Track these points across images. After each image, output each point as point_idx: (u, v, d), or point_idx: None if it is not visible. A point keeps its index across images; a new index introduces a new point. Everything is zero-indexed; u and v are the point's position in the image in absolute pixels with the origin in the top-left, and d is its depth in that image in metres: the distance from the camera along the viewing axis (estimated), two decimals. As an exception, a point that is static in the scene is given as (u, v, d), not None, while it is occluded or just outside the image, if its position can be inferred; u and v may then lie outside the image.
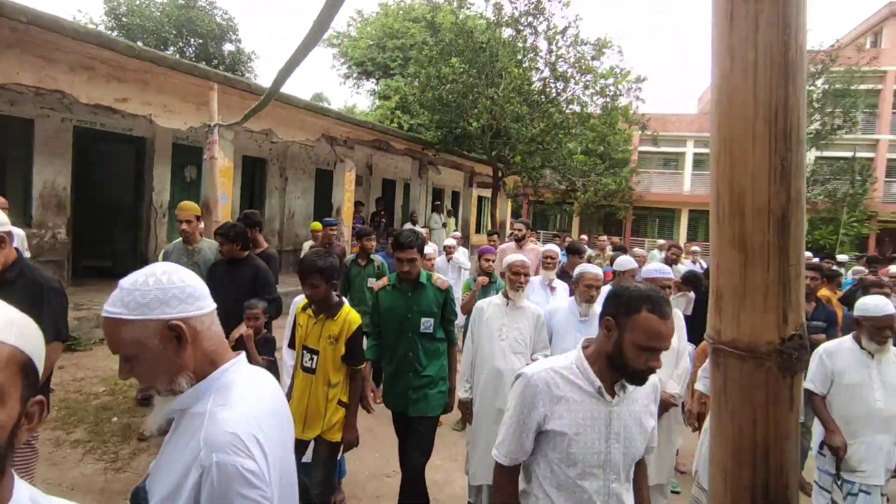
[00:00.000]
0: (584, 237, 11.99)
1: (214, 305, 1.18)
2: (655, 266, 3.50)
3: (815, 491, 3.26)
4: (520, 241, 6.05)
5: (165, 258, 4.13)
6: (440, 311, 3.16)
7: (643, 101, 11.94)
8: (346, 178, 9.84)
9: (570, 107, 11.75)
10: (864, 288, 5.14)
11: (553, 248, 5.07)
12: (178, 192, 8.76)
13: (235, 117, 6.98)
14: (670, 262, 6.80)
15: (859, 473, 3.04)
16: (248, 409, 1.11)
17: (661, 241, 16.89)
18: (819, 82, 19.53)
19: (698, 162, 26.19)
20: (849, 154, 21.41)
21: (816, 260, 8.91)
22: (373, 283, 5.00)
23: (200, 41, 21.28)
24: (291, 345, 3.10)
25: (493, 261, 4.99)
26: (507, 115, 10.60)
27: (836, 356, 3.17)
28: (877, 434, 3.05)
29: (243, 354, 1.23)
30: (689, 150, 25.44)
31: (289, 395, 2.87)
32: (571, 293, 5.32)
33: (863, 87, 20.01)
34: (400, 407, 3.17)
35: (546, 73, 11.72)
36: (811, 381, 3.23)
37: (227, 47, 22.60)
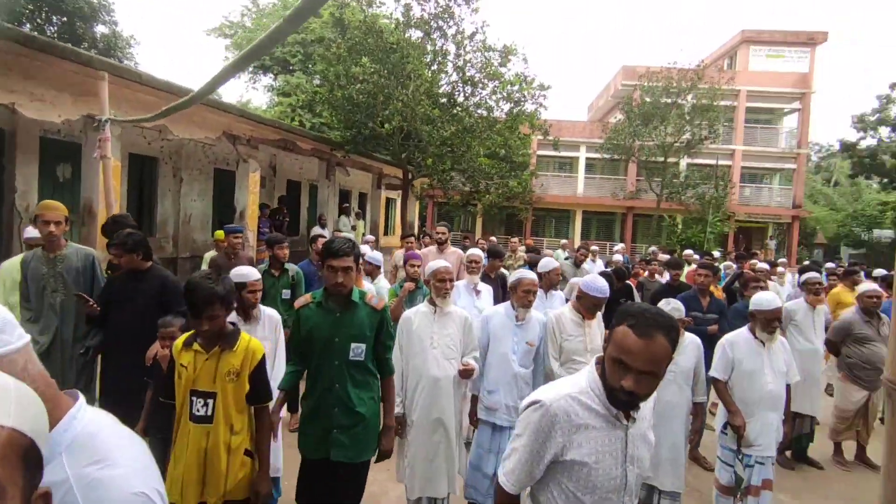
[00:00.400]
0: (493, 238, 12.37)
1: (27, 338, 0.90)
2: (596, 283, 3.50)
3: (718, 466, 3.63)
4: (442, 245, 6.08)
5: (25, 270, 3.59)
6: (374, 335, 2.68)
7: (546, 108, 12.59)
8: (251, 179, 9.28)
9: (479, 111, 12.07)
10: (742, 282, 5.79)
11: (477, 252, 5.16)
12: (48, 194, 7.70)
13: (124, 112, 6.30)
14: (578, 262, 7.22)
15: (756, 447, 3.44)
16: (132, 459, 0.90)
17: (564, 241, 17.92)
18: (689, 97, 21.92)
19: (590, 166, 28.08)
20: (713, 162, 24.13)
21: (697, 257, 9.95)
22: (287, 294, 4.74)
23: (65, 19, 18.97)
24: (164, 393, 2.50)
25: (420, 266, 4.96)
26: (419, 117, 10.64)
27: (735, 346, 3.56)
28: (769, 412, 3.47)
29: (81, 395, 0.95)
30: (582, 155, 27.17)
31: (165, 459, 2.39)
32: (496, 296, 5.50)
33: (723, 103, 22.67)
34: (319, 452, 2.63)
35: (454, 77, 11.95)
36: (715, 369, 3.61)
37: (100, 29, 20.38)
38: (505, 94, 12.09)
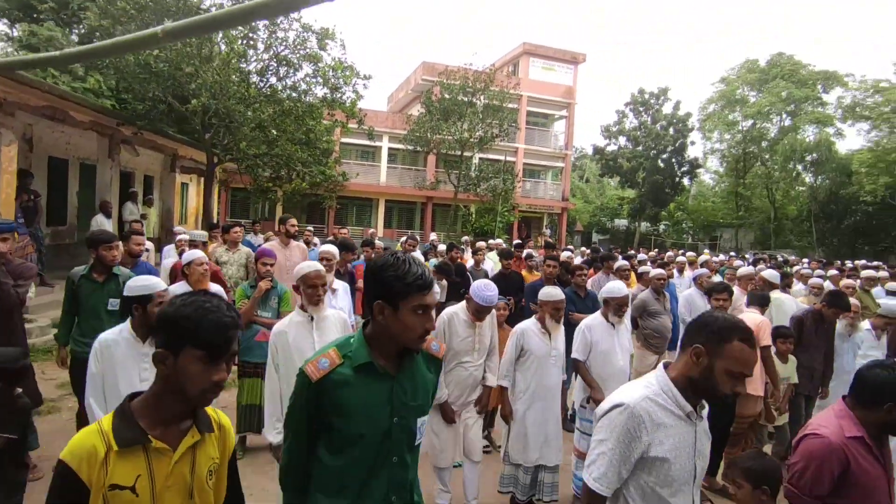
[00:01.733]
0: (345, 231, 11.79)
1: None
2: (483, 293, 3.54)
3: (577, 436, 4.13)
4: (291, 240, 5.61)
5: None
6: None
7: (363, 98, 12.45)
8: (4, 154, 7.20)
9: (294, 94, 11.32)
10: (570, 270, 6.61)
11: (331, 248, 4.89)
12: None
13: None
14: (407, 252, 7.38)
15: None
16: None
17: (372, 230, 18.06)
18: (482, 98, 24.03)
19: (392, 156, 28.74)
20: (501, 157, 26.89)
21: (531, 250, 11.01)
22: (115, 304, 3.83)
23: None
24: None
25: (273, 264, 4.50)
26: (231, 95, 9.50)
27: (593, 329, 4.08)
28: (619, 385, 4.07)
29: None
30: (385, 145, 27.64)
31: None
32: (352, 292, 5.30)
33: (510, 105, 25.40)
34: None
35: (265, 55, 10.96)
36: (576, 351, 4.09)
37: None
38: (322, 79, 11.57)
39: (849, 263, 14.03)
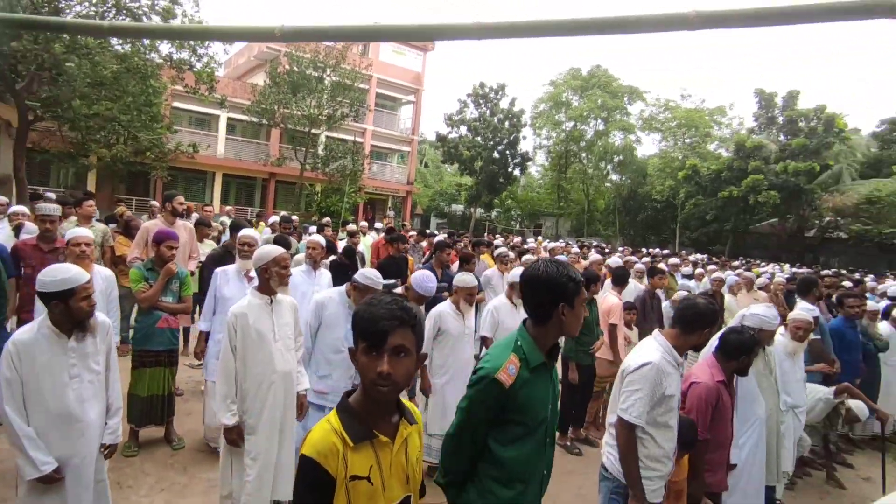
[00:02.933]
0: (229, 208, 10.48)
1: None
2: (425, 283, 3.83)
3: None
4: (174, 218, 5.12)
5: None
6: None
7: (220, 64, 11.37)
8: None
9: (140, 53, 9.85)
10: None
11: (251, 233, 4.65)
12: None
13: None
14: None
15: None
16: None
17: (208, 206, 16.54)
18: (332, 75, 23.42)
19: (232, 127, 26.49)
20: (349, 138, 26.60)
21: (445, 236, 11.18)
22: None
23: None
24: None
25: (177, 247, 4.15)
26: (65, 43, 7.92)
27: (500, 309, 4.58)
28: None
29: None
30: (224, 114, 25.33)
31: None
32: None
33: (361, 85, 25.17)
34: None
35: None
36: (484, 329, 4.55)
37: None
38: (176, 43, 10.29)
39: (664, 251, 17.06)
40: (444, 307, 4.19)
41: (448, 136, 36.54)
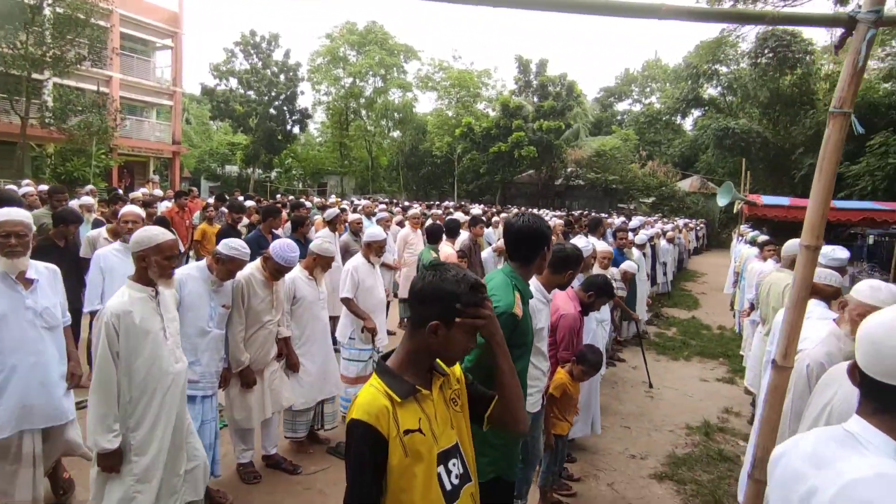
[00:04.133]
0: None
1: None
2: (286, 253, 3.59)
3: (345, 364, 4.60)
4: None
5: None
6: None
7: None
8: None
9: None
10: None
11: (134, 209, 3.74)
12: None
13: None
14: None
15: (380, 340, 4.63)
16: None
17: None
18: (57, 6, 18.71)
19: None
20: (92, 87, 21.94)
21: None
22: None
23: None
24: None
25: None
26: None
27: (358, 269, 4.56)
28: (381, 315, 4.73)
29: None
30: None
31: None
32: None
33: (99, 22, 20.63)
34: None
35: None
36: (347, 290, 4.50)
37: None
38: None
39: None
40: (296, 273, 4.02)
41: (216, 88, 32.82)
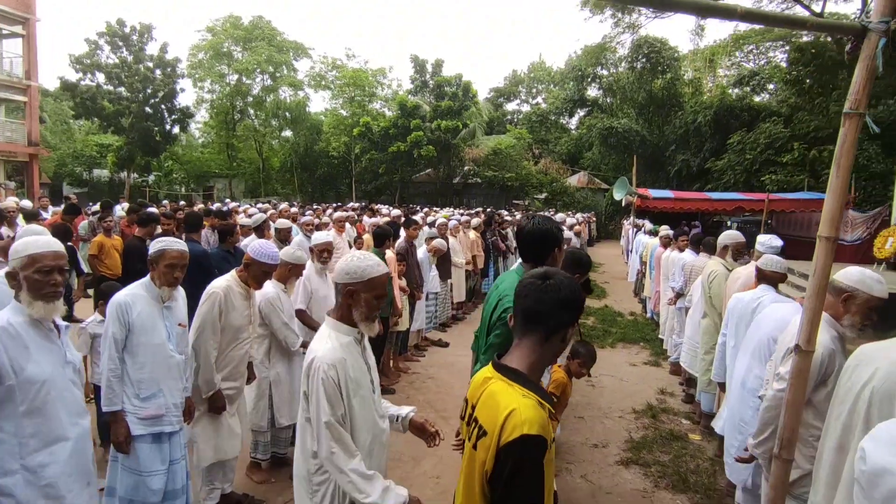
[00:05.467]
0: None
1: None
2: (267, 249, 3.32)
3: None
4: None
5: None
6: None
7: None
8: None
9: None
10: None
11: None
12: None
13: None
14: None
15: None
16: None
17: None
18: None
19: None
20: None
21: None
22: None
23: None
24: None
25: None
26: None
27: (311, 279, 4.24)
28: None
29: None
30: None
31: None
32: None
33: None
34: None
35: None
36: (299, 301, 4.16)
37: None
38: None
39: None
40: (271, 287, 3.67)
41: (79, 84, 29.09)
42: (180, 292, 2.93)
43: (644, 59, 27.06)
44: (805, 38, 23.78)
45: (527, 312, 1.43)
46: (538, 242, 2.41)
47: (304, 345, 3.79)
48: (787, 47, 26.37)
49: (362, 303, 1.98)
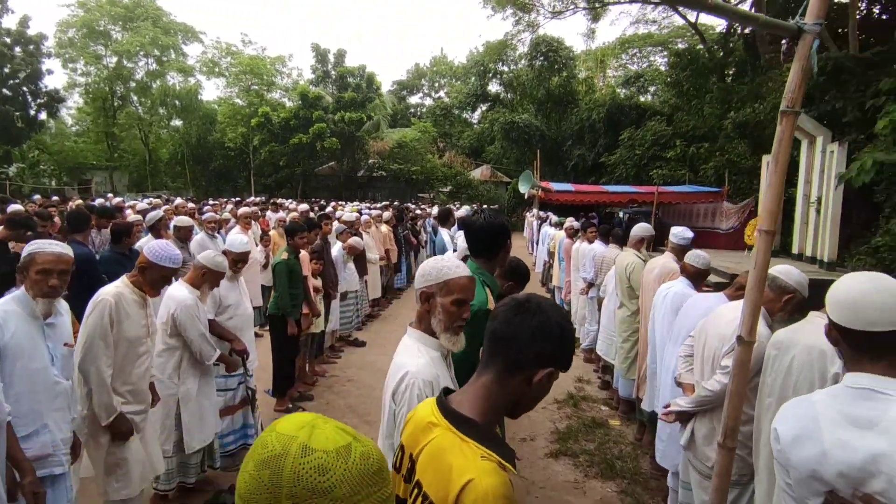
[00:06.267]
0: None
1: None
2: (168, 251, 2.87)
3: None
4: None
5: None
6: None
7: None
8: None
9: None
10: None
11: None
12: None
13: None
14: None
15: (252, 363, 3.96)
16: None
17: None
18: None
19: None
20: None
21: None
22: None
23: None
24: None
25: None
26: None
27: (221, 285, 3.80)
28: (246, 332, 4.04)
29: None
30: None
31: None
32: None
33: None
34: None
35: None
36: (210, 311, 3.71)
37: None
38: None
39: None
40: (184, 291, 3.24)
41: None
42: (63, 306, 2.46)
43: (542, 58, 28.16)
44: (681, 45, 26.03)
45: (492, 335, 1.17)
46: (491, 237, 2.41)
47: (221, 357, 3.41)
48: (666, 52, 28.78)
49: (439, 309, 1.74)
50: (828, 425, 1.36)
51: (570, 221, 9.56)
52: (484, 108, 37.16)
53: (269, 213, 11.86)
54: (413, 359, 1.70)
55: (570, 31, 74.75)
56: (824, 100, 11.36)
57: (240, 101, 31.55)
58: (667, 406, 2.88)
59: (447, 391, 1.24)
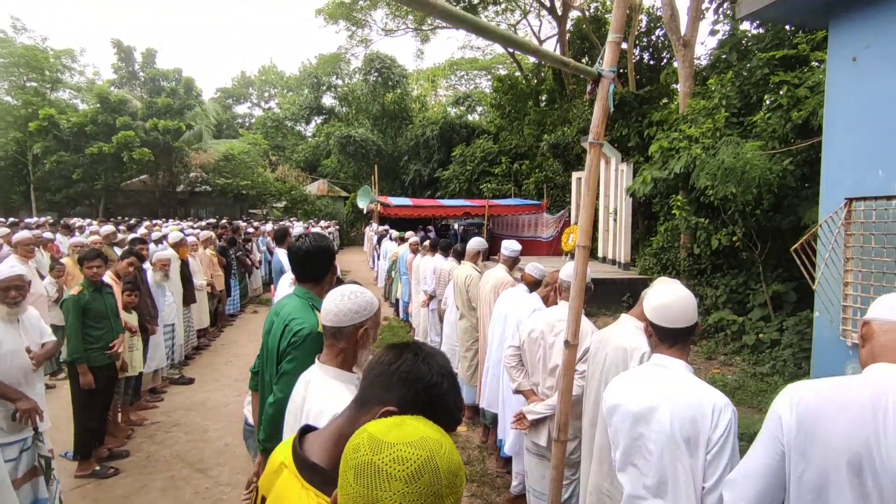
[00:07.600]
0: None
1: None
2: None
3: None
4: None
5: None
6: None
7: None
8: None
9: None
10: None
11: None
12: None
13: None
14: None
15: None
16: None
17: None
18: None
19: None
20: None
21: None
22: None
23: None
24: None
25: None
26: None
27: None
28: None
29: None
30: None
31: None
32: None
33: None
34: None
35: None
36: None
37: None
38: None
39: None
40: None
41: None
42: None
43: (376, 73, 28.58)
44: (502, 71, 28.52)
45: (365, 374, 1.12)
46: (318, 261, 2.38)
47: None
48: (490, 77, 31.28)
49: (370, 339, 1.73)
50: (638, 391, 1.87)
51: (411, 235, 9.82)
52: (318, 120, 36.39)
53: (59, 236, 10.08)
54: (336, 402, 1.44)
55: (403, 51, 76.78)
56: (614, 127, 13.44)
57: (10, 100, 26.25)
58: (518, 414, 3.11)
59: (307, 429, 1.16)
